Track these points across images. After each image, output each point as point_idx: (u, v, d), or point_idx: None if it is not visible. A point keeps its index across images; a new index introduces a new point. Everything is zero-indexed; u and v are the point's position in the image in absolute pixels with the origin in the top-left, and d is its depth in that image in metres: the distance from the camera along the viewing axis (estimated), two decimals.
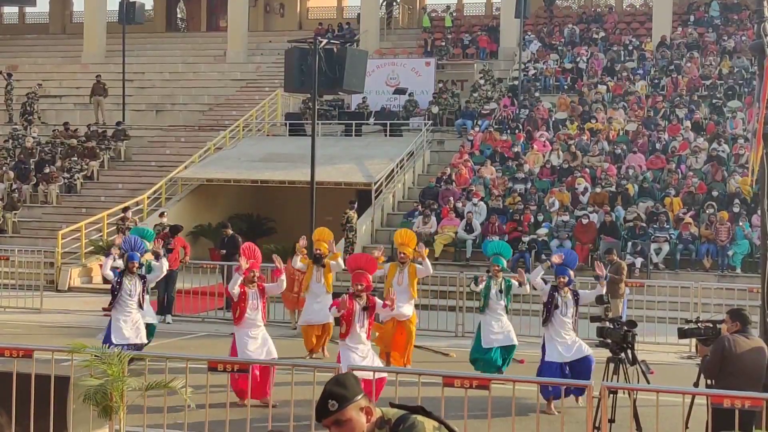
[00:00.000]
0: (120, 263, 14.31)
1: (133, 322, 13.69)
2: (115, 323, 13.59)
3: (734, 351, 8.29)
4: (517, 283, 14.36)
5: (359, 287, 11.72)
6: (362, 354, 11.60)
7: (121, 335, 13.45)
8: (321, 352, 16.30)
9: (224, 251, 21.25)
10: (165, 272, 15.08)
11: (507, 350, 14.40)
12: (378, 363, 12.11)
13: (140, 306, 13.84)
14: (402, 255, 14.81)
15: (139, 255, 14.05)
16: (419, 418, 4.17)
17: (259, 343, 12.36)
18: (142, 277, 13.98)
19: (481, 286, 14.21)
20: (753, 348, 8.37)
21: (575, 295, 12.69)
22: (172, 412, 9.13)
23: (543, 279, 13.50)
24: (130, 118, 34.22)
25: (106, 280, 24.38)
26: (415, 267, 14.79)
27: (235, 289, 12.28)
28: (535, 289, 13.77)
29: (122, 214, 24.93)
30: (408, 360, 14.72)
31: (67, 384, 8.84)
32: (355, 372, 4.00)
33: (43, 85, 35.92)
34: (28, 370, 8.73)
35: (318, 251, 16.30)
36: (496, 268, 14.28)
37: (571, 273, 12.94)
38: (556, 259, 13.25)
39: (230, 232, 21.99)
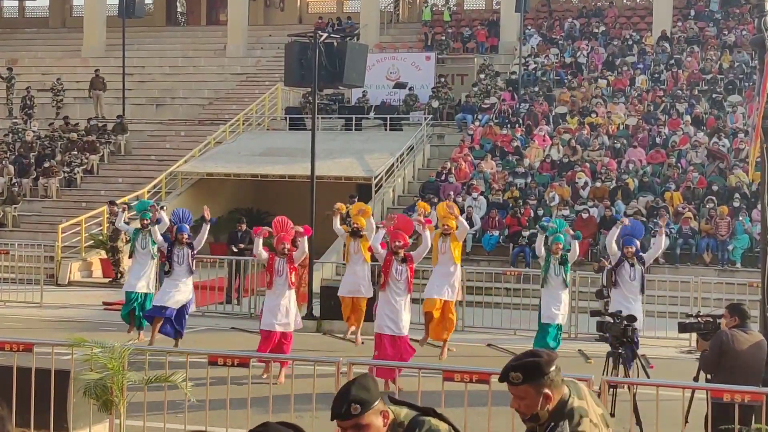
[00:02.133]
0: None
1: (180, 289, 15.10)
2: (163, 289, 15.29)
3: (732, 346, 8.29)
4: (572, 248, 15.29)
5: (397, 244, 13.17)
6: (398, 307, 12.92)
7: (165, 299, 15.02)
8: (356, 331, 16.78)
9: (241, 245, 21.20)
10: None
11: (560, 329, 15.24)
12: (408, 315, 13.23)
13: (191, 271, 15.31)
14: (446, 227, 15.41)
15: (187, 226, 15.51)
16: (433, 421, 4.14)
17: (281, 312, 13.44)
18: (190, 245, 15.28)
19: (542, 251, 15.13)
20: (752, 343, 8.38)
21: (641, 260, 14.18)
22: (172, 406, 9.14)
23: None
24: (130, 112, 34.20)
25: (105, 273, 24.63)
26: (455, 236, 15.43)
27: (261, 252, 13.56)
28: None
29: (110, 208, 24.79)
30: (442, 352, 15.43)
31: (67, 378, 8.85)
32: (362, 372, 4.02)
33: (43, 79, 35.97)
34: (29, 364, 8.74)
35: (356, 225, 16.54)
36: (558, 245, 15.10)
37: (638, 243, 14.39)
38: (625, 220, 14.82)
39: (244, 227, 22.00)
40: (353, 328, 16.88)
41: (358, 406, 4.01)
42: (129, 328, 16.59)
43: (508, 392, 4.24)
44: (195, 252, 15.59)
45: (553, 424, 4.10)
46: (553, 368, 4.15)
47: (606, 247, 15.14)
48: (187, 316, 15.52)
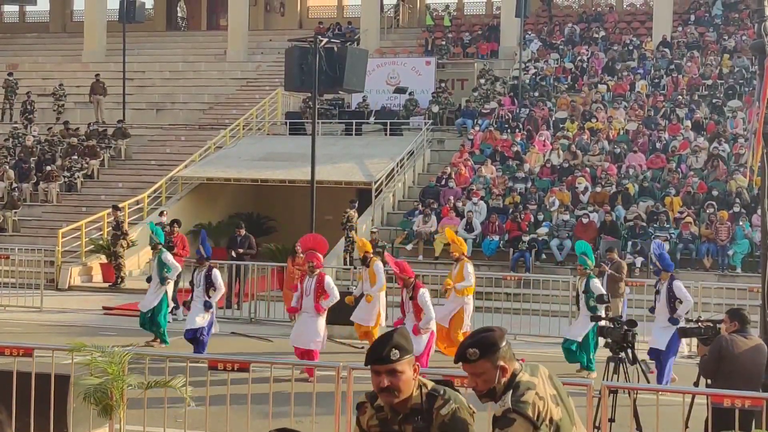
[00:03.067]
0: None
1: (196, 310, 15.22)
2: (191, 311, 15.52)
3: (732, 351, 8.29)
4: (598, 284, 14.93)
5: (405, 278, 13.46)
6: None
7: (188, 322, 15.30)
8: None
9: (241, 250, 21.21)
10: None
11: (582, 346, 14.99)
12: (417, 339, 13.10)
13: (205, 305, 15.10)
14: (453, 253, 16.00)
15: (202, 250, 15.44)
16: (450, 390, 4.39)
17: (299, 329, 14.25)
18: (207, 273, 15.20)
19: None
20: (751, 347, 8.37)
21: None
22: (172, 410, 9.13)
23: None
24: (131, 117, 34.22)
25: (105, 278, 24.72)
26: (464, 264, 15.70)
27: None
28: None
29: (114, 213, 24.83)
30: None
31: (67, 383, 8.84)
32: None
33: (44, 84, 36.01)
34: (29, 369, 8.73)
35: (367, 253, 16.71)
36: (581, 267, 14.99)
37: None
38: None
39: (243, 231, 21.99)
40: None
41: (398, 352, 4.23)
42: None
43: None
44: (214, 282, 15.29)
45: (501, 396, 4.16)
46: (504, 342, 4.21)
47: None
48: (204, 337, 15.25)
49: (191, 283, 15.76)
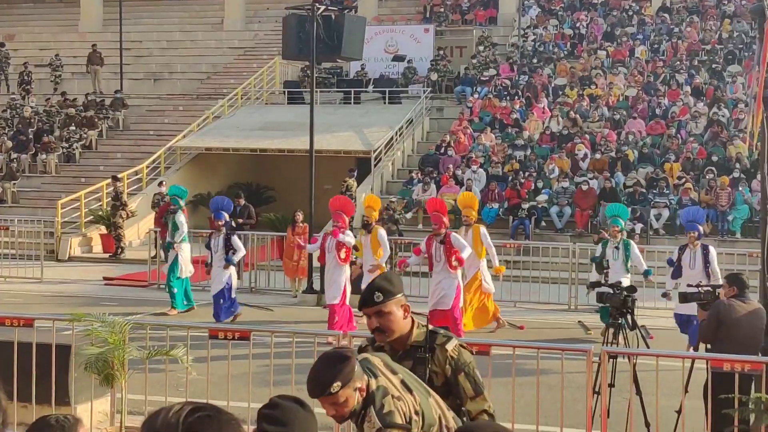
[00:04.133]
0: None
1: (215, 275, 15.70)
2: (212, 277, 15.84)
3: (730, 316, 8.31)
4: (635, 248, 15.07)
5: (436, 227, 13.89)
6: (444, 286, 13.72)
7: (212, 288, 15.76)
8: None
9: (240, 220, 21.20)
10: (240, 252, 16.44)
11: None
12: (453, 291, 13.84)
13: (226, 260, 15.66)
14: (466, 218, 15.91)
15: (224, 214, 16.06)
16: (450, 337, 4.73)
17: (329, 284, 14.51)
18: (228, 235, 15.75)
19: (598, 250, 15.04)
20: (750, 312, 8.39)
21: (705, 249, 13.91)
22: (173, 379, 9.16)
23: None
24: (128, 87, 34.08)
25: (105, 248, 24.74)
26: (479, 229, 15.90)
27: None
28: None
29: (113, 184, 24.79)
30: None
31: (68, 352, 8.86)
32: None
33: (41, 55, 35.85)
34: (29, 339, 8.75)
35: (367, 218, 16.42)
36: (616, 228, 15.01)
37: (701, 228, 14.36)
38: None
39: (243, 201, 21.96)
40: None
41: (380, 294, 4.56)
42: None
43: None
44: (233, 244, 15.89)
45: (363, 412, 4.16)
46: (356, 362, 4.18)
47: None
48: (225, 301, 15.74)
49: (207, 246, 15.98)
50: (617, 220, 15.12)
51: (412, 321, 4.71)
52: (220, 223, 15.94)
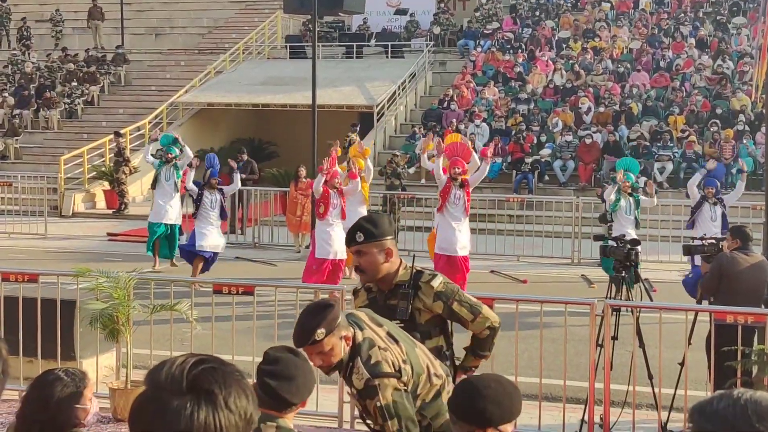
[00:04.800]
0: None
1: (214, 232, 15.39)
2: (198, 231, 15.35)
3: (733, 268, 8.31)
4: (646, 198, 15.19)
5: (457, 170, 13.72)
6: (458, 228, 13.62)
7: (205, 242, 15.26)
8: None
9: (243, 176, 21.15)
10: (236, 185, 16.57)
11: None
12: (466, 237, 13.88)
13: (221, 217, 15.60)
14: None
15: (218, 171, 16.00)
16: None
17: (333, 239, 14.13)
18: (220, 191, 15.61)
19: (612, 196, 14.81)
20: (753, 265, 8.40)
21: (721, 201, 14.54)
22: (178, 334, 9.20)
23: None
24: (129, 42, 33.89)
25: (108, 204, 24.71)
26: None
27: (319, 188, 14.29)
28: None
29: (115, 140, 24.71)
30: None
31: (73, 308, 8.90)
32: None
33: (41, 10, 35.61)
34: (34, 295, 8.78)
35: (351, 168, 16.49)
36: (627, 183, 14.96)
37: (718, 183, 15.06)
38: (711, 164, 15.37)
39: (245, 157, 21.92)
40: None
41: (362, 234, 4.67)
42: (154, 262, 16.80)
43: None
44: (225, 197, 15.97)
45: (351, 364, 4.20)
46: (340, 313, 4.22)
47: (688, 189, 14.97)
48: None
49: (197, 201, 15.56)
50: (629, 176, 15.08)
51: (400, 262, 4.79)
52: (214, 181, 15.74)
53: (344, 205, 14.55)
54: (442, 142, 15.26)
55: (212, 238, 15.41)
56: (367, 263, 4.70)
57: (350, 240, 4.74)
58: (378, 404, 4.14)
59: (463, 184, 13.70)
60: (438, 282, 4.76)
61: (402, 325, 4.66)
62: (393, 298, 4.74)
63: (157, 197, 17.03)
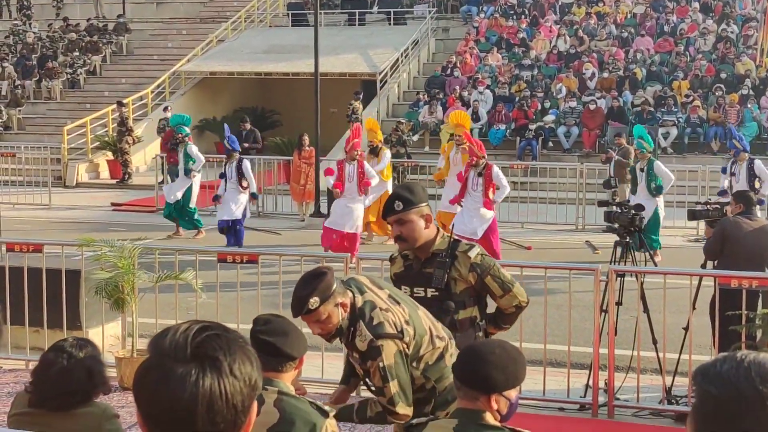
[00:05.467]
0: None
1: (228, 201, 15.48)
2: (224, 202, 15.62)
3: (735, 233, 8.29)
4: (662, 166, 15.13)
5: (481, 156, 13.73)
6: (471, 213, 13.52)
7: (223, 212, 15.54)
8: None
9: (246, 145, 21.16)
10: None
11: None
12: (480, 221, 13.66)
13: (240, 186, 15.54)
14: (457, 137, 15.51)
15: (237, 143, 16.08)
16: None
17: (348, 213, 14.36)
18: (238, 165, 15.61)
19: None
20: (756, 229, 8.37)
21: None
22: (183, 303, 9.23)
23: None
24: (131, 11, 33.75)
25: (112, 174, 24.74)
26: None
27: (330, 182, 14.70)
28: None
29: (118, 109, 24.65)
30: None
31: (78, 278, 8.91)
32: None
33: None
34: (39, 265, 8.79)
35: (371, 142, 16.66)
36: (638, 151, 15.17)
37: (737, 145, 15.40)
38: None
39: (248, 125, 21.89)
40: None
41: (401, 203, 4.71)
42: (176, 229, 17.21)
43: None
44: (244, 171, 15.82)
45: (353, 328, 4.22)
46: (335, 280, 4.22)
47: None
48: (241, 228, 15.73)
49: (222, 175, 15.82)
50: (641, 144, 15.02)
51: (437, 230, 4.83)
52: (234, 154, 15.80)
53: (364, 179, 14.51)
54: (447, 115, 15.30)
55: (223, 208, 15.54)
56: (408, 231, 4.73)
57: (389, 210, 4.76)
58: (381, 365, 4.17)
59: (483, 173, 13.54)
60: (475, 253, 4.79)
61: (437, 293, 4.72)
62: (429, 266, 4.77)
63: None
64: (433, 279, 4.74)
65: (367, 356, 4.22)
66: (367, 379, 4.42)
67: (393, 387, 4.19)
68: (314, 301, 4.10)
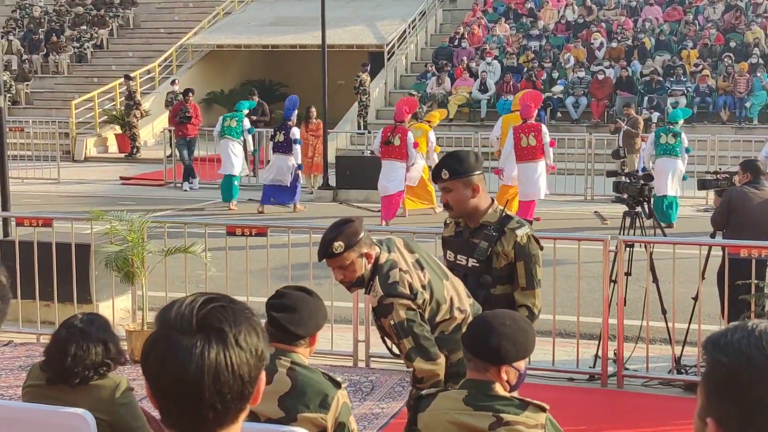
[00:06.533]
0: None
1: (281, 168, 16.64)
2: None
3: (742, 202, 8.25)
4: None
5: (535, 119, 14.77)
6: (528, 173, 14.80)
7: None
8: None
9: (254, 117, 21.13)
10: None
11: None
12: (538, 181, 15.13)
13: (290, 150, 16.66)
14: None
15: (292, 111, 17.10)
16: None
17: (392, 176, 15.23)
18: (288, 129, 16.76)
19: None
20: (764, 200, 8.33)
21: None
22: (193, 276, 9.26)
23: None
24: None
25: (120, 148, 24.75)
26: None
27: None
28: None
29: (126, 83, 24.60)
30: None
31: (88, 251, 8.93)
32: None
33: None
34: (49, 239, 8.81)
35: (428, 121, 17.36)
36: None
37: None
38: None
39: (256, 98, 21.86)
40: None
41: (448, 171, 4.72)
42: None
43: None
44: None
45: (371, 282, 4.29)
46: (363, 229, 4.29)
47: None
48: (298, 186, 16.96)
49: (272, 139, 17.02)
50: (673, 126, 15.49)
51: (492, 201, 4.81)
52: (289, 122, 16.83)
53: (406, 145, 15.18)
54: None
55: (276, 172, 16.78)
56: (453, 199, 4.73)
57: (436, 177, 4.81)
58: (392, 322, 4.22)
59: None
60: (522, 233, 4.72)
61: (477, 265, 4.70)
62: (477, 236, 4.74)
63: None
64: (476, 250, 4.71)
65: (378, 313, 4.29)
66: (385, 338, 4.47)
67: (407, 343, 4.22)
68: (339, 245, 4.16)
